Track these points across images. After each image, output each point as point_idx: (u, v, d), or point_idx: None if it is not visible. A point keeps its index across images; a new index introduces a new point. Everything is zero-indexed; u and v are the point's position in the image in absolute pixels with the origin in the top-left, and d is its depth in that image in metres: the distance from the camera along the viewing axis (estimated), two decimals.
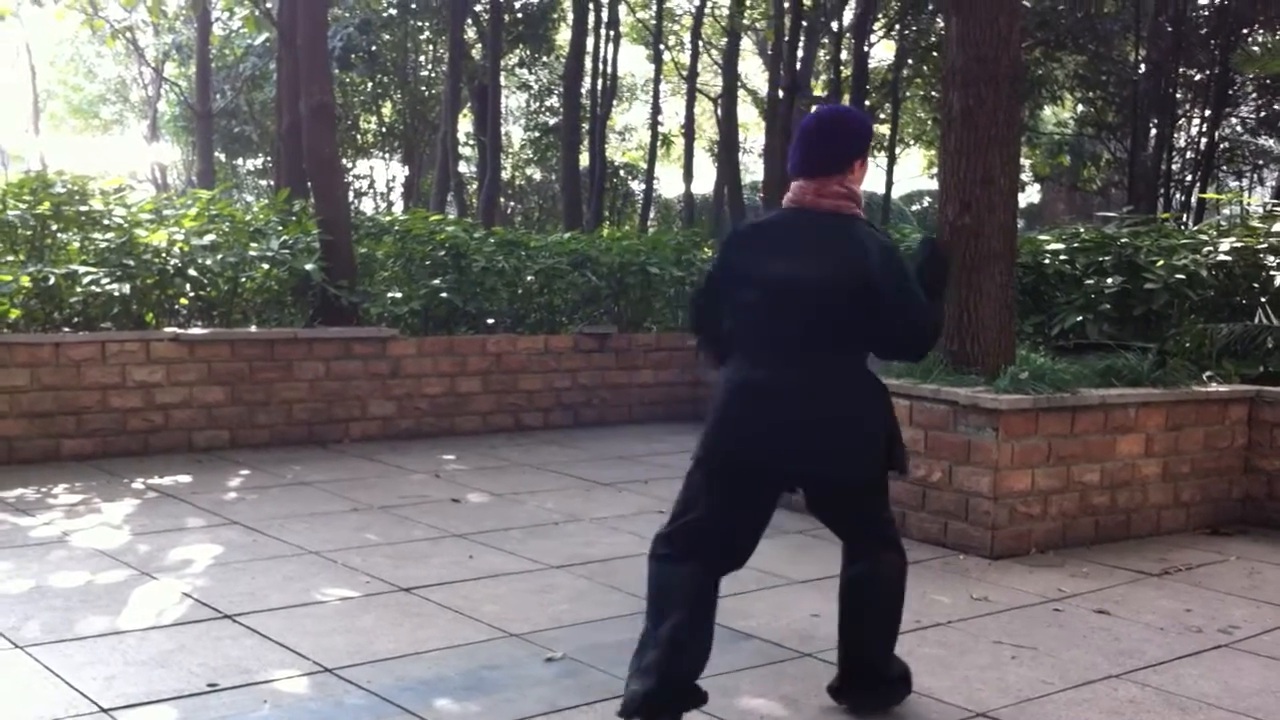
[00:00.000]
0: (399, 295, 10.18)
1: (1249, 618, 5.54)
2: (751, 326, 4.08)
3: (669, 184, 30.10)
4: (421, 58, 24.95)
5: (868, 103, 21.86)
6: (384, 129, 25.42)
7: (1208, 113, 17.26)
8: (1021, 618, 5.43)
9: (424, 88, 24.65)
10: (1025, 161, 24.76)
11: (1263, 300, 8.01)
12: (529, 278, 10.79)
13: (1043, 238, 10.64)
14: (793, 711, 4.27)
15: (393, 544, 6.38)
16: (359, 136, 25.29)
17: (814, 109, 4.81)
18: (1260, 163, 18.64)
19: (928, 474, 6.74)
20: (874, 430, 4.08)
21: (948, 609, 5.52)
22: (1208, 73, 16.99)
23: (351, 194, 24.31)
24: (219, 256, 9.36)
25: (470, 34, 21.88)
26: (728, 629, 5.12)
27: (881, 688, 4.31)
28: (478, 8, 21.17)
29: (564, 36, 22.57)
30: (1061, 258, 9.40)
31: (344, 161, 23.18)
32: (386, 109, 25.28)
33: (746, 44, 26.46)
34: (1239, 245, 8.72)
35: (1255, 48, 15.95)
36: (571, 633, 5.01)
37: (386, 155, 25.90)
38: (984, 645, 5.04)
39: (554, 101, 25.26)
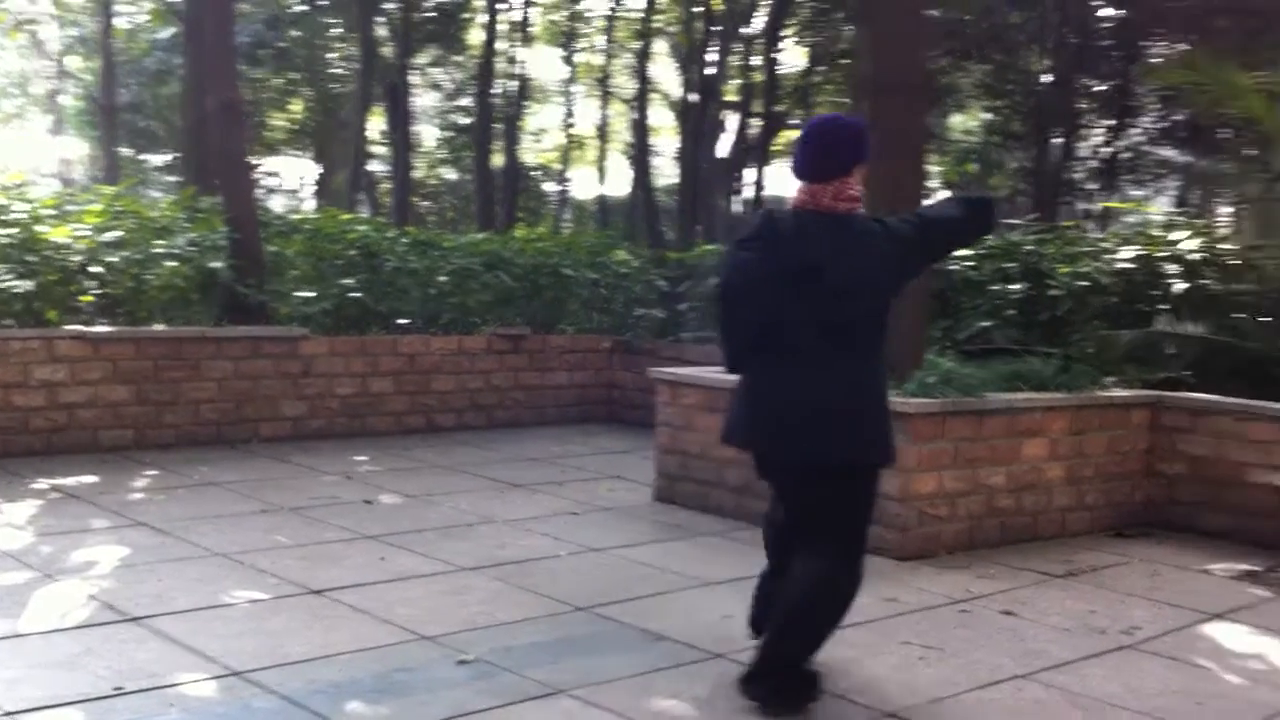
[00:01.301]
0: (310, 294, 10.06)
1: (1151, 618, 5.67)
2: (786, 326, 4.31)
3: (583, 185, 30.09)
4: (332, 55, 24.69)
5: (778, 108, 22.05)
6: (294, 126, 25.12)
7: (1110, 123, 17.66)
8: (930, 619, 5.52)
9: (335, 85, 24.40)
10: (935, 169, 25.10)
11: (1163, 307, 8.21)
12: (442, 278, 10.72)
13: None
14: (704, 712, 4.30)
15: (303, 546, 6.31)
16: (268, 133, 24.96)
17: (812, 117, 5.02)
18: (1161, 172, 19.09)
19: None
20: (887, 418, 4.44)
21: (856, 609, 5.54)
22: (1110, 84, 17.36)
23: (261, 191, 23.99)
24: (124, 253, 9.18)
25: (382, 32, 21.70)
26: (640, 630, 5.15)
27: (763, 685, 4.32)
28: (388, 5, 21.00)
29: (476, 36, 22.45)
30: (969, 264, 9.56)
31: (253, 158, 22.86)
32: (297, 106, 24.98)
33: (660, 47, 26.53)
34: (1140, 253, 8.93)
35: (1156, 59, 16.33)
36: (484, 635, 5.00)
37: (297, 152, 25.61)
38: (893, 646, 5.11)
39: (467, 101, 25.13)
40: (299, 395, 9.51)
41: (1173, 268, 8.69)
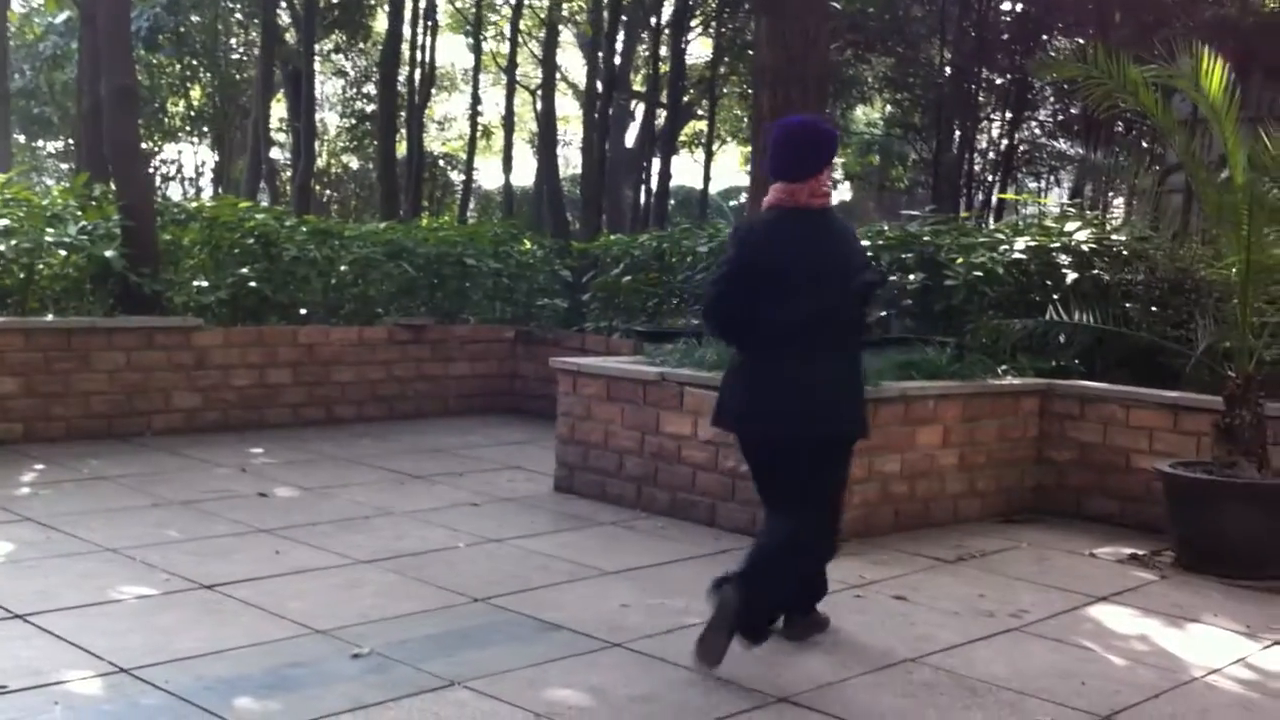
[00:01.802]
0: (205, 284, 9.90)
1: (1038, 602, 5.80)
2: (783, 311, 4.66)
3: (489, 175, 29.92)
4: (233, 40, 24.25)
5: (685, 99, 22.11)
6: (193, 113, 24.64)
7: (1008, 116, 17.95)
8: (825, 605, 5.56)
9: (235, 71, 23.96)
10: (838, 160, 25.34)
11: (1055, 297, 8.36)
12: (343, 268, 10.62)
13: None
14: (599, 701, 4.31)
15: (195, 540, 6.22)
16: (166, 120, 24.45)
17: (785, 120, 5.26)
18: (1056, 165, 19.44)
19: (736, 465, 6.86)
20: (864, 397, 5.01)
21: None
22: (1008, 77, 17.63)
23: (158, 179, 23.51)
24: (13, 242, 8.96)
25: (285, 17, 21.36)
26: (536, 620, 5.16)
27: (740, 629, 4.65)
28: None
29: (382, 23, 22.18)
30: (868, 255, 9.64)
31: (149, 145, 22.39)
32: (196, 92, 24.50)
33: (567, 37, 26.46)
34: (1034, 244, 9.09)
35: (1054, 53, 16.62)
36: (379, 628, 4.96)
37: (195, 140, 25.12)
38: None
39: (372, 89, 24.83)
40: (193, 387, 9.35)
41: (1065, 258, 8.85)
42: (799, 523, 4.78)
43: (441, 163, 26.70)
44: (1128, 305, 8.54)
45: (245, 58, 23.94)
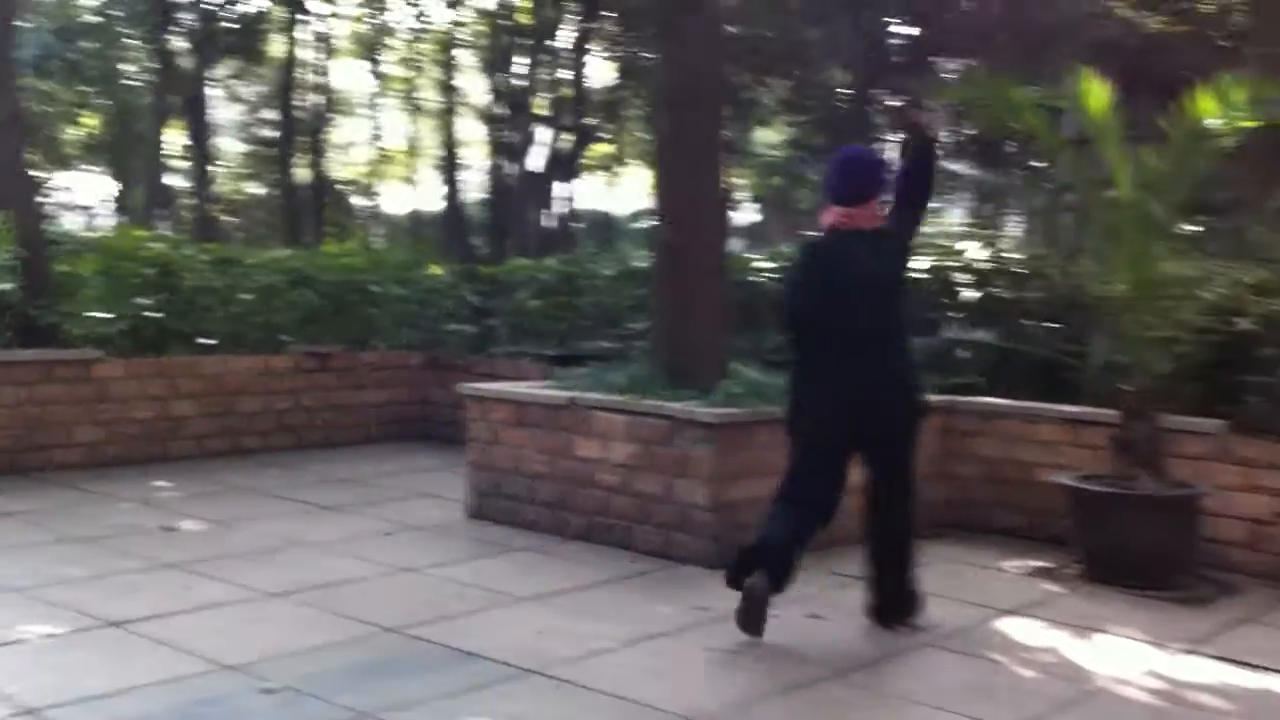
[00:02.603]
0: (105, 315, 9.72)
1: (948, 616, 5.87)
2: (839, 320, 5.36)
3: (395, 200, 29.74)
4: (128, 66, 23.87)
5: (589, 122, 22.20)
6: (89, 141, 24.20)
7: (904, 137, 18.27)
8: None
9: (132, 98, 23.59)
10: (744, 182, 25.58)
11: (955, 315, 8.52)
12: (245, 296, 10.48)
13: (751, 256, 11.04)
14: None
15: (100, 577, 6.09)
16: (60, 148, 23.99)
17: (842, 149, 6.01)
18: (953, 186, 19.81)
19: (648, 488, 6.89)
20: (918, 388, 5.65)
21: (669, 619, 5.67)
22: (903, 99, 17.95)
23: (54, 208, 23.04)
24: None
25: (181, 43, 21.09)
26: (451, 649, 5.13)
27: (910, 603, 5.65)
28: (186, 16, 20.40)
29: (279, 48, 21.98)
30: (772, 277, 9.76)
31: (43, 174, 21.94)
32: (92, 120, 24.08)
33: (470, 60, 26.42)
34: (934, 264, 9.25)
35: (944, 76, 16.96)
36: (290, 662, 4.90)
37: (92, 168, 24.67)
38: (703, 653, 5.19)
39: (271, 114, 24.58)
40: (94, 420, 9.16)
41: (964, 277, 9.02)
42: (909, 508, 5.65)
43: (345, 188, 26.50)
44: (1026, 322, 8.72)
45: (142, 85, 23.58)
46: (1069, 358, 7.99)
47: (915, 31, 18.19)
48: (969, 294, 8.76)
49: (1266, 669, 5.26)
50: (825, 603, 6.03)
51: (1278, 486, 6.77)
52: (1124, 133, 6.90)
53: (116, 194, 24.07)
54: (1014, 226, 16.78)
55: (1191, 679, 5.11)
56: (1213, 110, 6.55)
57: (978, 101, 7.07)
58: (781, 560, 5.39)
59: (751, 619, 5.29)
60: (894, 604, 5.66)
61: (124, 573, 6.19)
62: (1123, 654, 5.41)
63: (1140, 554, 6.47)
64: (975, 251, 9.38)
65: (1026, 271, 9.18)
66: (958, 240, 10.08)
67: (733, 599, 5.99)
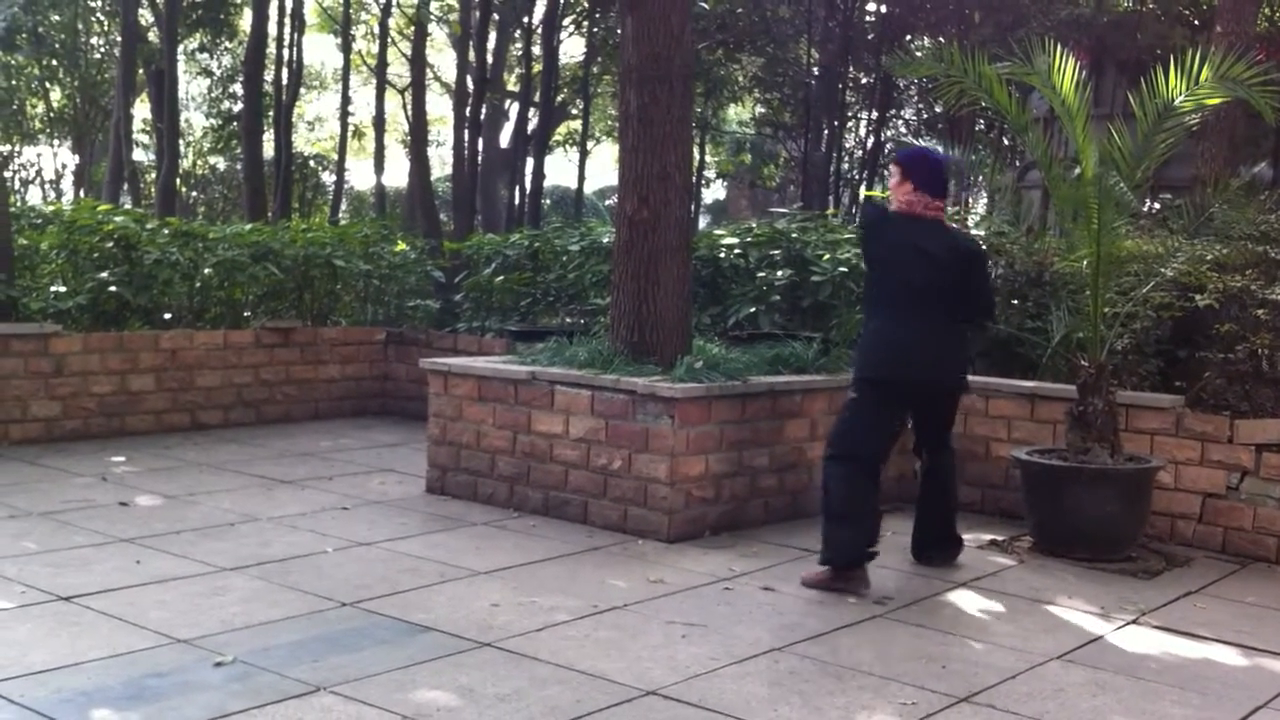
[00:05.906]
0: (64, 289, 9.63)
1: (900, 588, 5.93)
2: (900, 289, 6.02)
3: (362, 176, 29.58)
4: (95, 40, 23.62)
5: (559, 98, 22.10)
6: (53, 114, 23.95)
7: (874, 115, 18.29)
8: (694, 597, 5.64)
9: (97, 71, 23.34)
10: (711, 159, 25.56)
11: None
12: (207, 270, 10.40)
13: (719, 232, 11.04)
14: (468, 701, 4.30)
15: (53, 551, 6.05)
16: (24, 122, 23.74)
17: (922, 147, 7.23)
18: None
19: (609, 462, 6.89)
20: (964, 357, 6.42)
21: (624, 592, 5.67)
22: (873, 77, 17.99)
23: (17, 182, 22.81)
24: None
25: (147, 16, 20.86)
26: (405, 623, 5.12)
27: (953, 545, 6.45)
28: None
29: (247, 22, 21.76)
30: (736, 252, 9.77)
31: (5, 148, 21.75)
32: (56, 93, 23.82)
33: (440, 36, 26.25)
34: None
35: (916, 53, 16.97)
36: (243, 635, 4.89)
37: (56, 142, 24.41)
38: (657, 626, 5.20)
39: (238, 89, 24.35)
40: (51, 395, 9.08)
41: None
42: (952, 452, 6.48)
43: (312, 163, 26.29)
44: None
45: (107, 58, 23.34)
46: (1029, 334, 8.03)
47: (886, 8, 18.18)
48: None
49: (1208, 639, 5.33)
50: (780, 576, 6.05)
51: (1231, 461, 6.83)
52: (1091, 110, 6.92)
53: (78, 168, 23.82)
54: (978, 204, 16.85)
55: (1135, 649, 5.17)
56: (1179, 88, 6.57)
57: (946, 78, 7.05)
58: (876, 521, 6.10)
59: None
60: (941, 542, 6.39)
61: (77, 547, 6.15)
62: (1070, 625, 5.46)
63: (1091, 527, 6.53)
64: None
65: (989, 248, 9.21)
66: None
67: (691, 572, 6.05)
